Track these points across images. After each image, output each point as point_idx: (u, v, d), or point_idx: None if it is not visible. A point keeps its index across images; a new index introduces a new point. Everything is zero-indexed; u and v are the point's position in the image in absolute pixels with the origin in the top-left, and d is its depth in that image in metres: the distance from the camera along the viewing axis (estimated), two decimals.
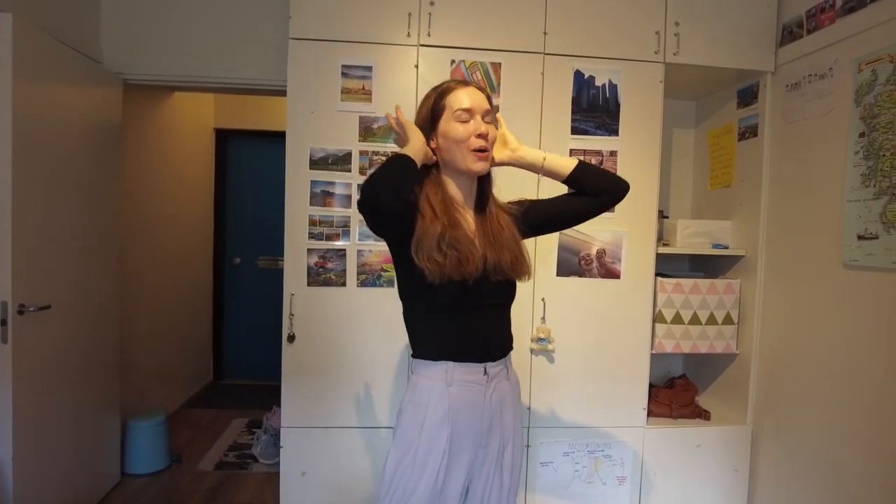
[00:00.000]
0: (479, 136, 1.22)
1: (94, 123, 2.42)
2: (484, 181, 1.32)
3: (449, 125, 1.23)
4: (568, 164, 1.33)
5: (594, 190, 1.33)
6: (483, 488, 1.29)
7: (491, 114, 1.27)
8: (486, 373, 1.27)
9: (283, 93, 2.15)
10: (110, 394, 2.64)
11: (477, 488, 1.29)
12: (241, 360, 4.51)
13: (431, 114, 1.25)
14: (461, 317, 1.24)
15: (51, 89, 2.13)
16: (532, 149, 1.36)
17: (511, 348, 1.36)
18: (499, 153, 1.33)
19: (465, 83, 1.26)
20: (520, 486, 2.18)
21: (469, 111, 1.22)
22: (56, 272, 2.17)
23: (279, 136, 2.24)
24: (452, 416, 1.23)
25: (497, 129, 1.32)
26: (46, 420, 2.13)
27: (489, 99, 1.28)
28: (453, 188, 1.29)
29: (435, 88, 1.28)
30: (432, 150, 1.26)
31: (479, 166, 1.24)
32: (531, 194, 2.14)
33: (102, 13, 2.54)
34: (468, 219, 1.29)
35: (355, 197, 2.11)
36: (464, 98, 1.23)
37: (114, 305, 2.65)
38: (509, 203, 1.38)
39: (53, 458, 2.18)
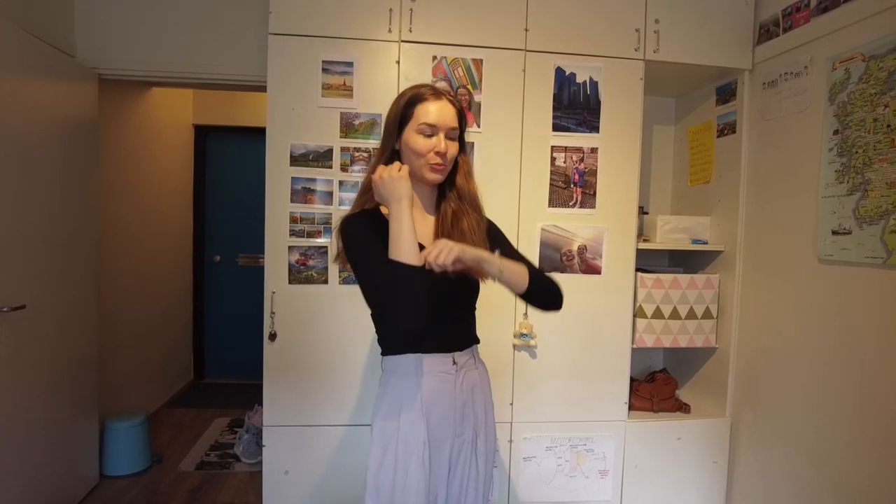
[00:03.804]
0: (438, 153, 1.22)
1: (68, 119, 2.37)
2: (444, 185, 1.32)
3: (411, 136, 1.23)
4: (522, 280, 1.29)
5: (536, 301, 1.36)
6: (461, 476, 1.31)
7: (456, 131, 1.26)
8: (454, 362, 1.29)
9: (263, 88, 2.13)
10: (88, 394, 2.59)
11: (455, 477, 1.31)
12: (222, 359, 4.46)
13: (400, 117, 1.25)
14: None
15: (22, 84, 2.08)
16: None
17: (477, 339, 1.39)
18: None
19: (439, 94, 1.25)
20: (507, 480, 2.21)
21: (434, 127, 1.22)
22: (31, 272, 2.13)
23: (259, 133, 2.22)
24: (427, 407, 1.25)
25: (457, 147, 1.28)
26: (21, 422, 2.09)
27: (461, 113, 1.27)
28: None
29: (412, 88, 1.27)
30: (396, 150, 1.28)
31: (433, 177, 1.25)
32: (512, 200, 2.16)
33: (76, 5, 2.49)
34: (427, 221, 1.31)
35: (337, 194, 2.10)
36: (431, 112, 1.22)
37: (91, 305, 2.60)
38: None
39: (29, 461, 2.14)
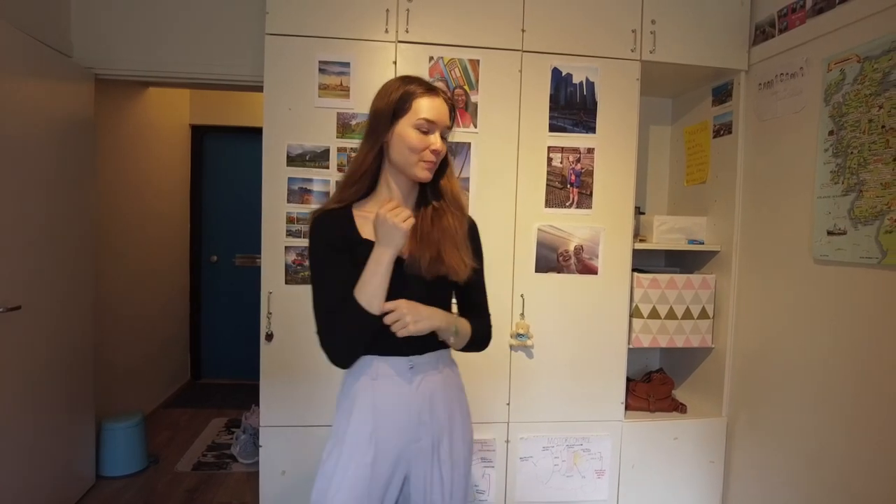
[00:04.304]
0: (434, 151, 1.21)
1: (64, 120, 2.37)
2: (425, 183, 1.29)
3: (407, 130, 1.20)
4: (463, 342, 1.32)
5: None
6: (423, 484, 1.28)
7: (449, 130, 1.26)
8: (411, 367, 1.26)
9: (259, 88, 2.12)
10: (84, 395, 2.59)
11: (418, 485, 1.28)
12: (218, 360, 4.46)
13: (393, 110, 1.21)
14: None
15: (18, 84, 2.07)
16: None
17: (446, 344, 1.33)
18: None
19: (435, 92, 1.22)
20: (504, 480, 2.21)
21: (432, 124, 1.20)
22: (27, 272, 2.12)
23: (256, 133, 2.22)
24: (376, 409, 1.25)
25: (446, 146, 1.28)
26: (17, 422, 2.08)
27: (452, 111, 1.26)
28: (393, 185, 1.28)
29: (403, 81, 1.23)
30: (383, 143, 1.25)
31: (425, 175, 1.23)
32: (509, 201, 2.16)
33: (73, 5, 2.48)
34: None
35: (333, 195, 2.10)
36: (430, 108, 1.20)
37: (88, 305, 2.60)
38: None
39: (25, 461, 2.13)
